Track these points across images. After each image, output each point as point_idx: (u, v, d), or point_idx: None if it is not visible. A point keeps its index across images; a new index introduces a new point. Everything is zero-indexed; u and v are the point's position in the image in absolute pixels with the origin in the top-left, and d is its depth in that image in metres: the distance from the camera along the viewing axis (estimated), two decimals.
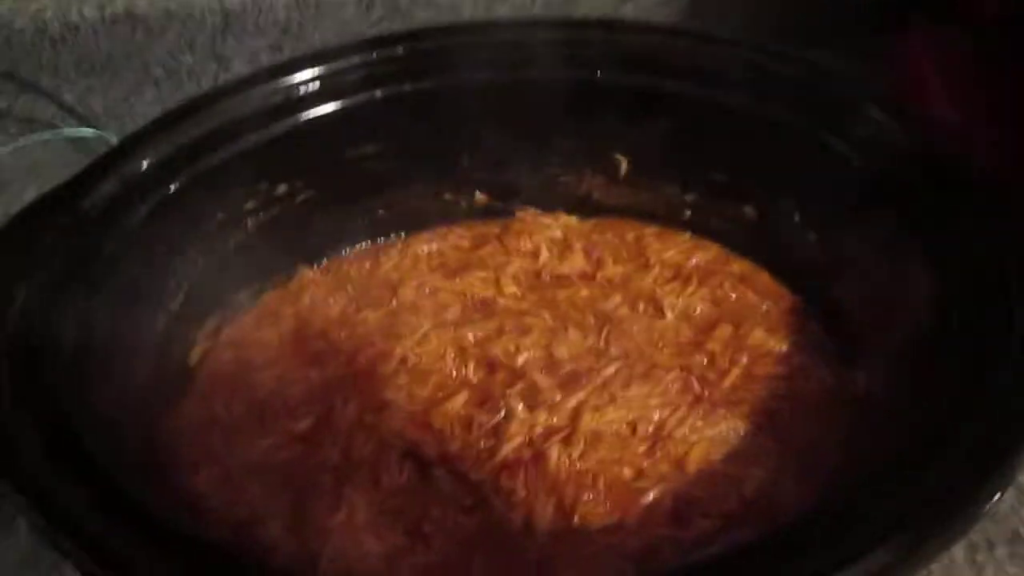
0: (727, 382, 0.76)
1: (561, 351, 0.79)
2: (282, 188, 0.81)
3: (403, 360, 0.81)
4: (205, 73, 0.92)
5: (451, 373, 0.80)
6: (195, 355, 0.73)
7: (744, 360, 0.78)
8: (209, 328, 0.75)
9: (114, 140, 0.77)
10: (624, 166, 0.94)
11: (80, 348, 0.52)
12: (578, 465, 0.70)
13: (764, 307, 0.84)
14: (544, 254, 0.92)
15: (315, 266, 0.92)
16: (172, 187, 0.63)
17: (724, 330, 0.81)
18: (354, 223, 0.95)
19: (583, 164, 0.96)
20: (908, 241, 0.70)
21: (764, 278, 0.87)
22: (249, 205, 0.78)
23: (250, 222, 0.75)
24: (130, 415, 0.54)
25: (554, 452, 0.70)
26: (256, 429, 0.71)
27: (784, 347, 0.79)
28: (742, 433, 0.72)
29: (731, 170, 0.89)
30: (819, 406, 0.74)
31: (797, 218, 0.85)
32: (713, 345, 0.80)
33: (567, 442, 0.71)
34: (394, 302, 0.90)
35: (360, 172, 0.91)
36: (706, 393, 0.75)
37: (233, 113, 0.71)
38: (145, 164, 0.61)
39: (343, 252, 0.97)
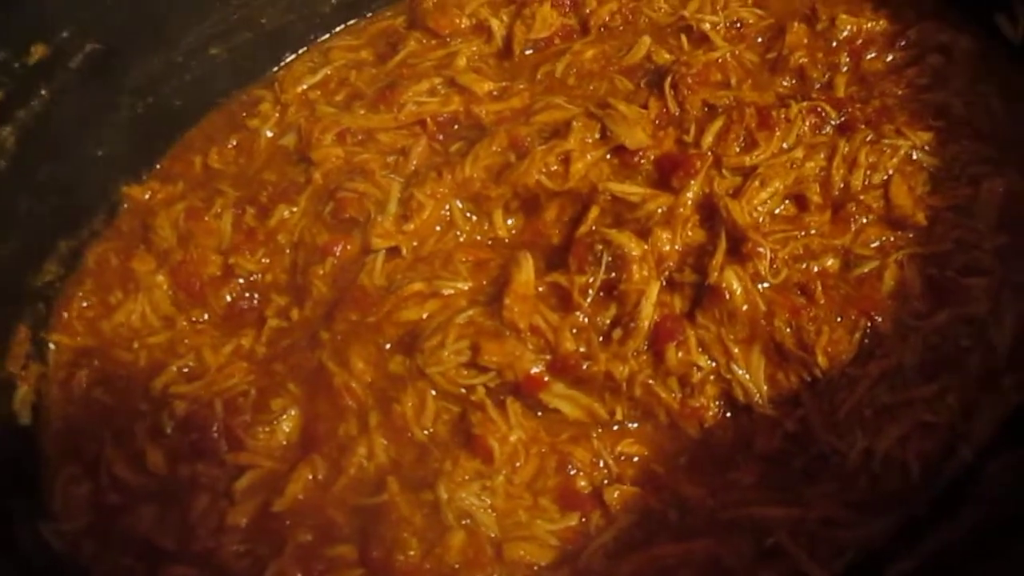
0: (840, 90, 0.55)
1: (628, 134, 0.53)
2: None
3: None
4: None
5: (479, 240, 0.54)
6: None
7: (844, 59, 0.56)
8: None
9: None
10: None
11: None
12: (768, 286, 0.47)
13: None
14: (496, 25, 0.63)
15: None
16: None
17: (796, 32, 0.58)
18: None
19: None
20: None
21: None
22: None
23: None
24: None
25: (734, 283, 0.46)
26: None
27: (883, 23, 0.57)
28: (929, 145, 0.51)
29: None
30: (973, 74, 0.54)
31: None
32: (796, 56, 0.57)
33: (734, 259, 0.47)
34: (317, 176, 0.59)
35: None
36: (846, 113, 0.53)
37: None
38: None
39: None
